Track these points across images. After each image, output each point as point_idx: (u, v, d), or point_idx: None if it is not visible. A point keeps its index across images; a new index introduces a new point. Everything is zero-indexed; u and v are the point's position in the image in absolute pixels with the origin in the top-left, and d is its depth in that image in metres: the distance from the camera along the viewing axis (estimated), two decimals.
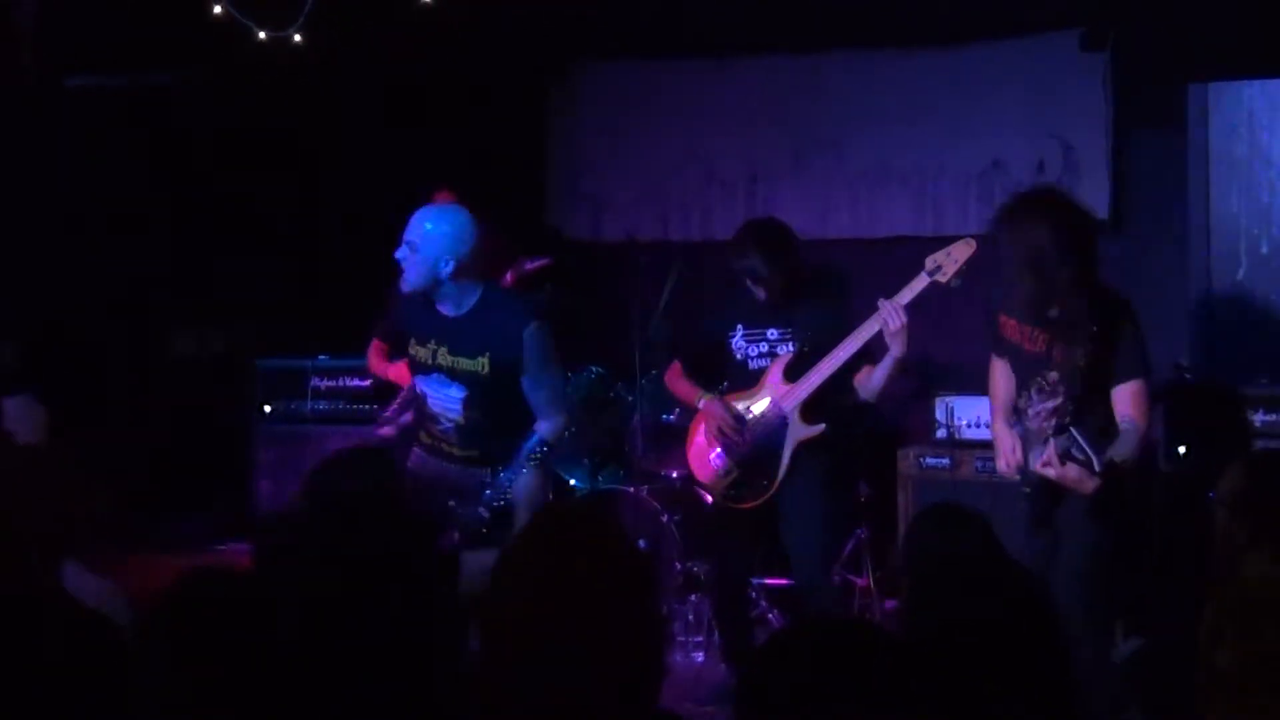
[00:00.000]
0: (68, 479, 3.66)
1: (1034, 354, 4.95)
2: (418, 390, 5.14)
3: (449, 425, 5.06)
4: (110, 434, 7.64)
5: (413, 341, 5.09)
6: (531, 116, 8.39)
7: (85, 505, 3.72)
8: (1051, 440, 4.65)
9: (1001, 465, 5.13)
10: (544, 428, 5.03)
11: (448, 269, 4.86)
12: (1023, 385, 5.03)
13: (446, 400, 5.02)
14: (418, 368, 5.09)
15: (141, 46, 7.44)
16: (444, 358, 4.99)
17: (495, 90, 8.16)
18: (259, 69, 6.94)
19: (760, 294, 5.74)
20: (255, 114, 7.94)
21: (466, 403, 4.99)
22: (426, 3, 6.08)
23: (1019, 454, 5.04)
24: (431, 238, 4.86)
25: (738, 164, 8.04)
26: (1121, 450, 4.67)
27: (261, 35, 6.23)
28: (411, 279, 4.92)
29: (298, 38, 6.22)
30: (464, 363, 4.96)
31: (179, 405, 7.99)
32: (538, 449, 4.99)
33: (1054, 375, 4.81)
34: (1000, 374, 5.24)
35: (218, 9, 6.08)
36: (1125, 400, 4.81)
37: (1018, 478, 5.03)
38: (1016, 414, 5.08)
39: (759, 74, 7.99)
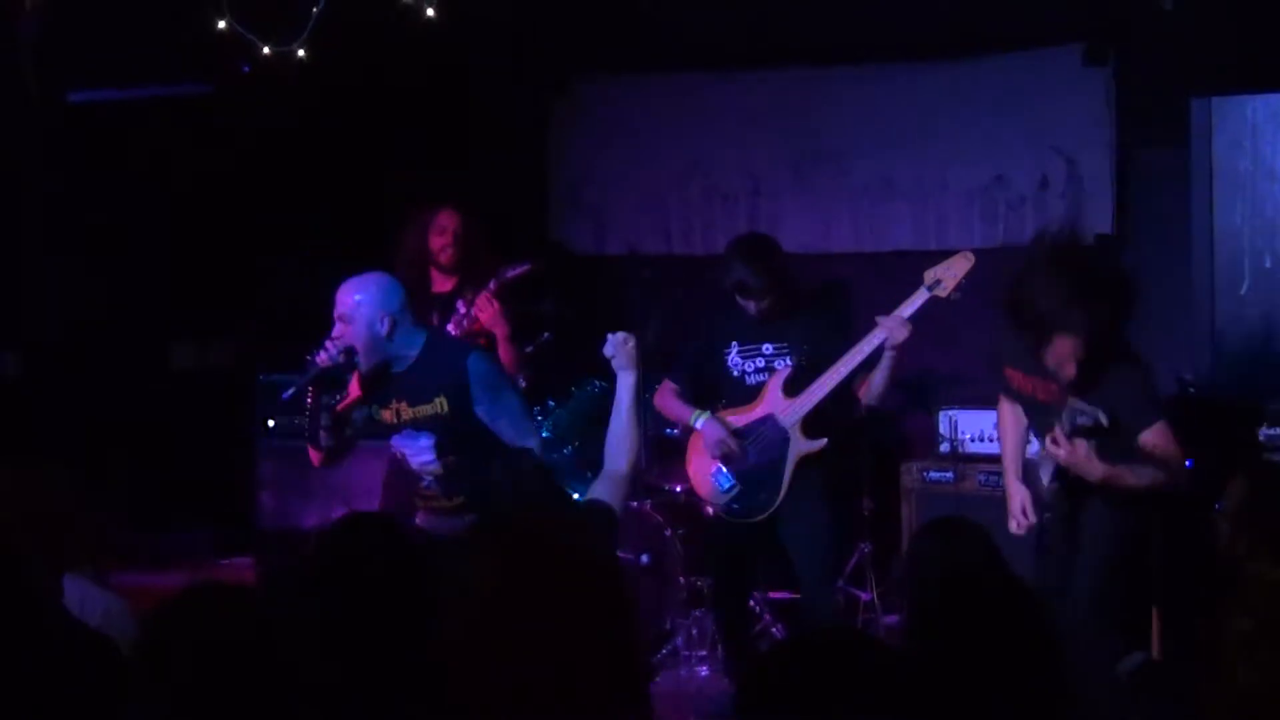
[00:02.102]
0: (67, 494, 3.66)
1: (1046, 403, 4.92)
2: (395, 452, 5.15)
3: (430, 480, 5.07)
4: (112, 448, 7.64)
5: (379, 410, 5.10)
6: (534, 130, 8.39)
7: (85, 520, 3.72)
8: (1058, 422, 4.63)
9: (1014, 526, 5.08)
10: None
11: (384, 326, 4.91)
12: (1038, 432, 5.00)
13: (421, 452, 5.03)
14: (388, 430, 5.10)
15: (144, 60, 7.45)
16: (405, 411, 5.02)
17: (498, 103, 8.16)
18: (262, 82, 6.94)
19: (750, 308, 5.73)
20: (257, 127, 7.95)
21: (439, 448, 5.00)
22: (430, 16, 6.07)
23: (1031, 513, 5.02)
24: (361, 305, 4.92)
25: (740, 178, 8.04)
26: (1156, 478, 4.68)
27: (266, 50, 6.23)
28: (362, 352, 4.95)
29: (301, 52, 6.22)
30: (424, 409, 4.99)
31: (181, 420, 7.98)
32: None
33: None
34: (1009, 417, 5.23)
35: (222, 24, 6.09)
36: (1154, 442, 4.76)
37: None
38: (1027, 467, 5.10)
39: (761, 88, 7.99)
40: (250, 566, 7.36)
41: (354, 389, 5.12)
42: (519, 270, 6.31)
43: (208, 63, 7.18)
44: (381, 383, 5.04)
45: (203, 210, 8.03)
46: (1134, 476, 4.70)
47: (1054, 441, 4.65)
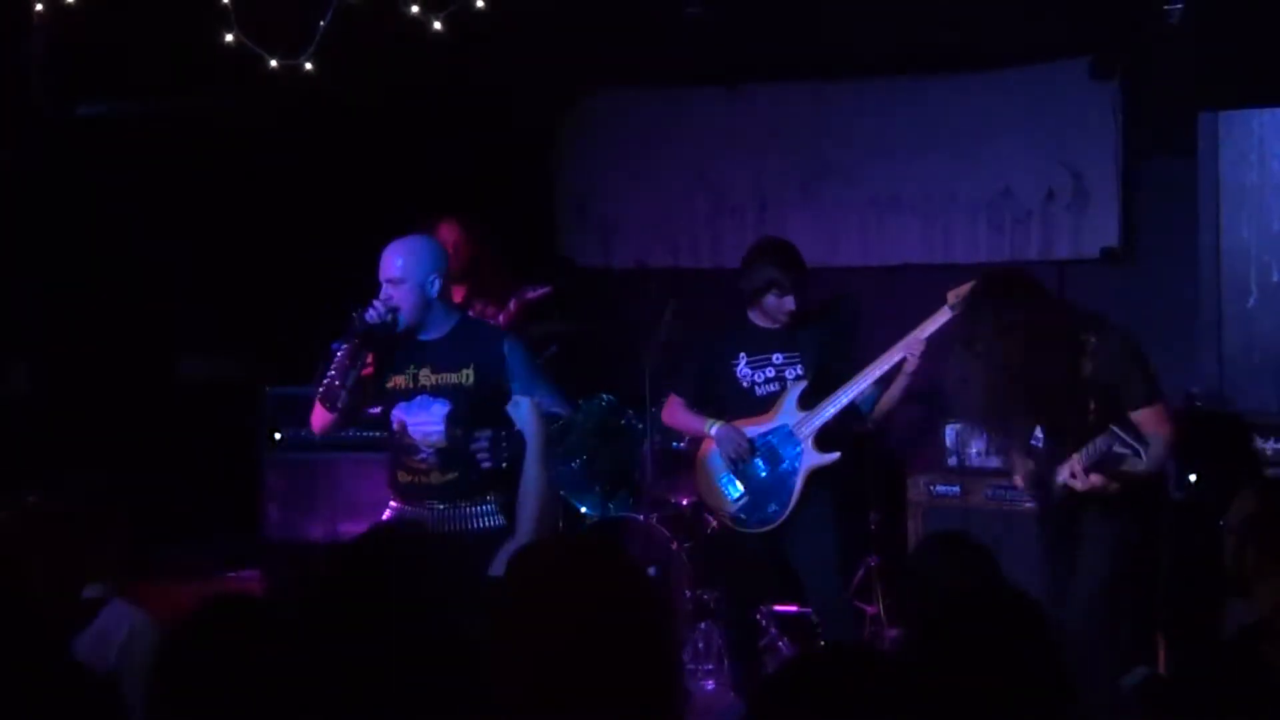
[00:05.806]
0: (85, 509, 3.67)
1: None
2: (395, 423, 5.12)
3: (429, 451, 5.04)
4: (119, 460, 7.64)
5: (390, 376, 5.11)
6: (543, 144, 8.40)
7: (105, 533, 3.72)
8: (1085, 450, 4.72)
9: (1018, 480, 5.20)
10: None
11: (435, 287, 5.01)
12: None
13: (429, 421, 5.02)
14: (397, 397, 5.10)
15: (153, 74, 7.46)
16: (426, 378, 5.06)
17: (507, 117, 8.17)
18: (269, 96, 6.95)
19: (783, 306, 5.73)
20: (265, 140, 7.96)
21: (450, 418, 5.00)
22: (438, 29, 6.08)
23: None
24: (411, 266, 5.00)
25: (748, 191, 8.05)
26: (1150, 457, 4.77)
27: (273, 63, 6.23)
28: (406, 311, 5.01)
29: (309, 65, 6.23)
30: (449, 377, 5.03)
31: (189, 432, 7.98)
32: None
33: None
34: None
35: (229, 37, 6.09)
36: (1149, 422, 4.89)
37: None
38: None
39: (769, 102, 8.01)
40: (257, 579, 7.36)
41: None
42: (540, 292, 6.36)
43: (216, 76, 7.19)
44: (404, 349, 5.08)
45: (209, 222, 8.04)
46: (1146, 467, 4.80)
47: (1073, 475, 4.76)
